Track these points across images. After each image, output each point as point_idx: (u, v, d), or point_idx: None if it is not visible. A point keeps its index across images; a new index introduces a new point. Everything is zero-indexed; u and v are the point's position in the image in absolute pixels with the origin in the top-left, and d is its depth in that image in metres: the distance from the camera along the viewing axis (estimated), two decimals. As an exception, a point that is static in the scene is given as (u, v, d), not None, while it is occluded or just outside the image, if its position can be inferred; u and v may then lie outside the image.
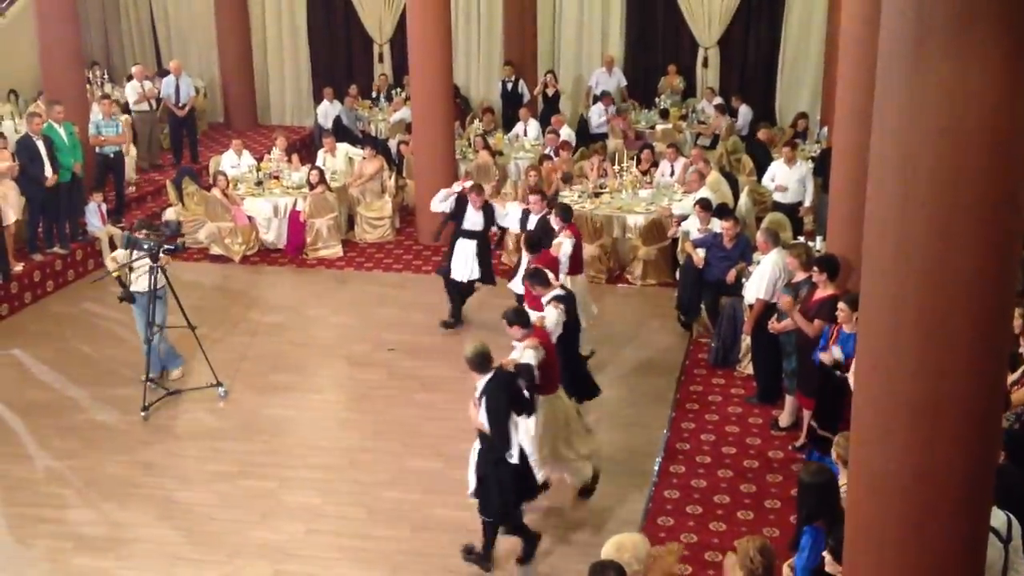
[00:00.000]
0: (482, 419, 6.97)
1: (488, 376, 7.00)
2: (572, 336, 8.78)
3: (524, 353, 7.47)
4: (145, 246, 9.60)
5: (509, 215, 11.48)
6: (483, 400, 6.97)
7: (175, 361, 10.35)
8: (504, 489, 7.07)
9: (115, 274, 9.87)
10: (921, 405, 4.35)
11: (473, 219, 11.23)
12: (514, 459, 7.03)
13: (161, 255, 9.69)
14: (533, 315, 8.18)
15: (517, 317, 7.74)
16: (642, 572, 5.25)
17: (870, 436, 4.55)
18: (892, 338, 4.38)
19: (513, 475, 7.08)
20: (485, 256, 11.37)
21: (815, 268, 8.38)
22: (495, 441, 6.96)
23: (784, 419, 9.13)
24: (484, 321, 11.21)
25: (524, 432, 7.26)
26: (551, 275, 8.92)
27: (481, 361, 7.00)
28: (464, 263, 11.27)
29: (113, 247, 9.98)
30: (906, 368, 4.34)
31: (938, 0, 4.01)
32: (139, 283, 9.76)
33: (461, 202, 11.24)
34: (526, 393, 7.22)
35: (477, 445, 7.24)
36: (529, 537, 7.41)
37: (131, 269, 9.72)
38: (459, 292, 11.50)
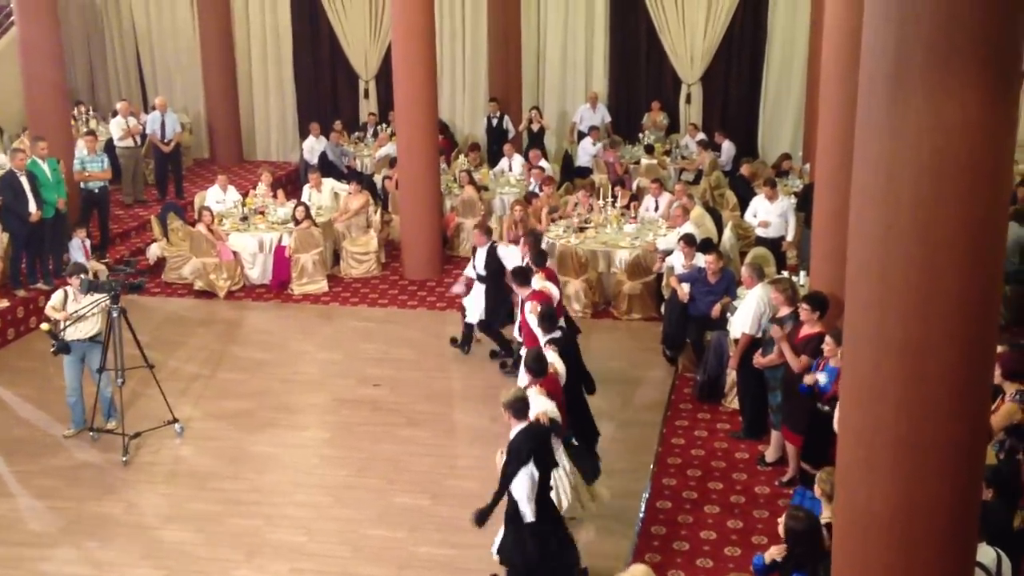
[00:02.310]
0: (507, 464, 6.73)
1: (523, 424, 6.86)
2: (574, 378, 8.65)
3: (538, 400, 7.41)
4: (107, 287, 9.48)
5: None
6: (511, 447, 6.75)
7: (113, 412, 9.90)
8: (522, 549, 6.80)
9: (45, 328, 9.47)
10: (905, 440, 4.38)
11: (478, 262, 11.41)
12: (529, 518, 6.73)
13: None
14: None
15: (535, 364, 7.75)
16: None
17: (854, 471, 4.57)
18: (875, 372, 4.41)
19: (532, 536, 6.77)
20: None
21: (805, 305, 8.39)
22: (505, 491, 6.76)
23: (770, 454, 9.13)
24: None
25: (562, 488, 7.21)
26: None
27: (522, 407, 6.90)
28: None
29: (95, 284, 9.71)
30: (889, 402, 4.37)
31: (915, 36, 4.08)
32: (76, 331, 9.46)
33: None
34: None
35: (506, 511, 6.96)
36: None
37: (75, 318, 9.44)
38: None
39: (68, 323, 9.42)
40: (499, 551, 7.06)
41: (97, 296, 9.52)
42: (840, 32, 8.61)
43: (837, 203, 8.57)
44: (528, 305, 9.41)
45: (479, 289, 11.36)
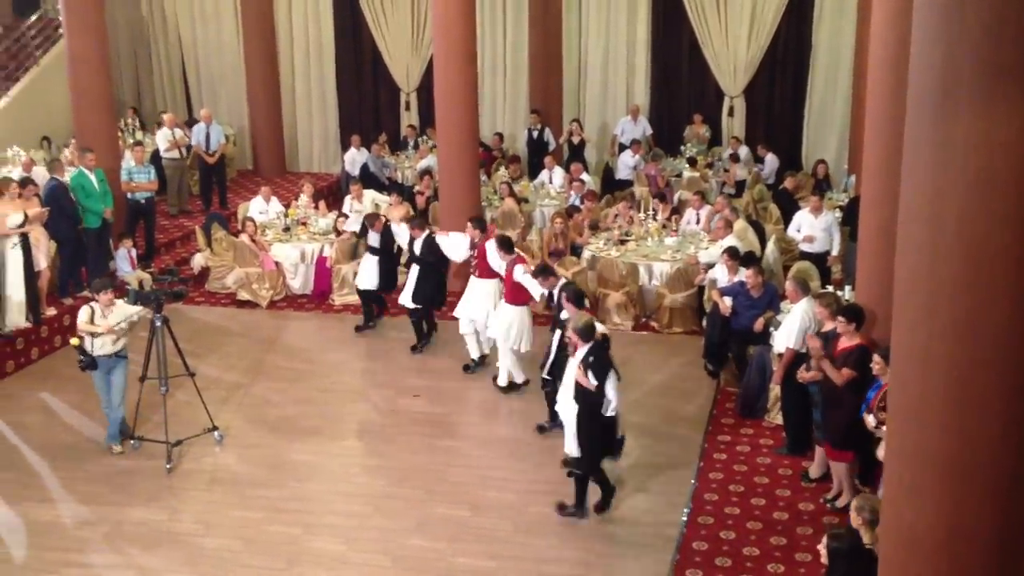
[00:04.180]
0: (589, 379, 7.95)
1: (591, 344, 8.04)
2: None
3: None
4: (153, 297, 9.57)
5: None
6: (589, 363, 7.98)
7: (118, 436, 9.90)
8: (595, 442, 8.16)
9: (75, 343, 9.50)
10: (952, 461, 4.30)
11: (373, 238, 12.66)
12: (610, 412, 8.12)
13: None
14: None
15: (575, 297, 9.12)
16: None
17: (901, 492, 4.49)
18: (922, 393, 4.34)
19: (604, 430, 8.19)
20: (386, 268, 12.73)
21: (841, 318, 8.32)
22: (597, 396, 8.00)
23: (814, 470, 9.02)
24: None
25: (613, 388, 8.12)
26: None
27: (589, 331, 8.09)
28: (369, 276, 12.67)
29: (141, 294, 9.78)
30: (937, 423, 4.30)
31: (965, 51, 4.02)
32: (103, 347, 9.49)
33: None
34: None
35: (572, 411, 8.17)
36: (609, 488, 8.53)
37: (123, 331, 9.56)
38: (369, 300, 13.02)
39: (102, 336, 9.43)
40: (576, 464, 8.39)
41: (128, 310, 9.59)
42: (887, 45, 8.52)
43: (883, 218, 8.48)
44: (519, 268, 10.48)
45: (373, 260, 12.63)
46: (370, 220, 12.76)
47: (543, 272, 10.15)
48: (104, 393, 9.71)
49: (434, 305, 12.34)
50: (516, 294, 10.61)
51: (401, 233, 12.46)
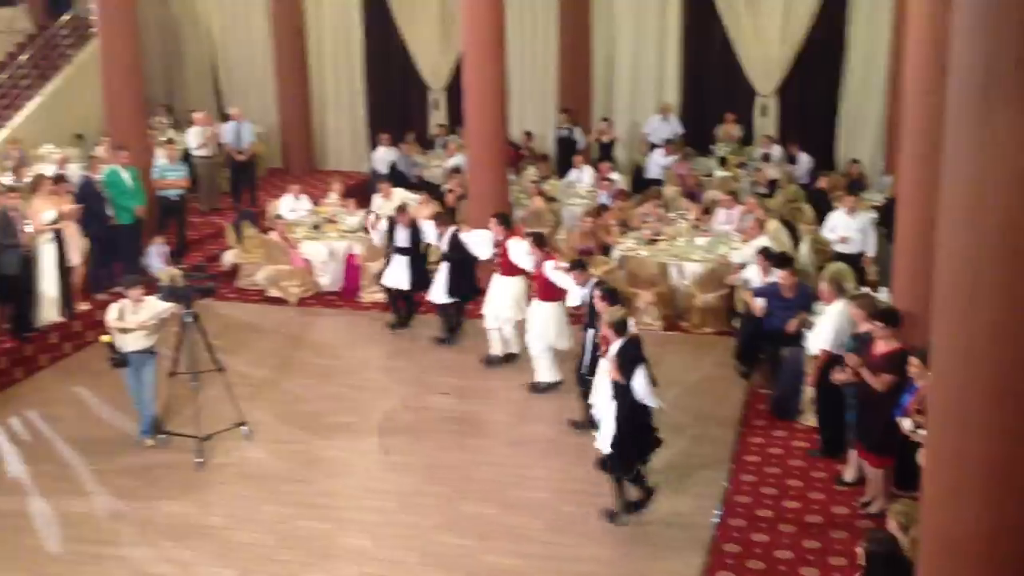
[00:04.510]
0: (621, 374, 7.94)
1: (624, 339, 8.05)
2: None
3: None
4: (183, 293, 9.61)
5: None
6: (621, 357, 7.97)
7: (151, 431, 9.96)
8: (629, 441, 8.07)
9: (105, 340, 9.56)
10: (993, 463, 4.25)
11: (402, 237, 12.56)
12: (648, 402, 8.08)
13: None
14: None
15: (610, 295, 9.03)
16: None
17: (942, 497, 4.43)
18: (963, 395, 4.28)
19: (642, 428, 8.16)
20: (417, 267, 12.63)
21: (878, 323, 8.21)
22: (628, 393, 7.96)
23: (849, 473, 8.92)
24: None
25: (643, 382, 8.04)
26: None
27: (623, 325, 8.12)
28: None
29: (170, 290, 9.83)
30: (978, 427, 4.24)
31: (1004, 48, 3.97)
32: (133, 343, 9.56)
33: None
34: None
35: (611, 409, 8.14)
36: (647, 489, 8.41)
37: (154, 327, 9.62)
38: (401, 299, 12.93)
39: (132, 333, 9.50)
40: (612, 461, 8.25)
41: (158, 307, 9.63)
42: (924, 43, 8.40)
43: (920, 219, 8.39)
44: (549, 264, 10.46)
45: (403, 260, 12.52)
46: (398, 213, 12.74)
47: (577, 267, 10.15)
48: (135, 390, 9.77)
49: (467, 299, 12.38)
50: (548, 291, 10.61)
51: (429, 230, 12.50)
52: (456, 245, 12.03)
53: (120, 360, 9.54)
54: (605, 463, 8.33)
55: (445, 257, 12.13)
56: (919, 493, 6.32)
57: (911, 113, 8.66)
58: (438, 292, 12.18)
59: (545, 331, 10.70)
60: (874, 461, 8.27)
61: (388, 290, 12.89)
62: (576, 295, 10.18)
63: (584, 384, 9.71)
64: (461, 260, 12.10)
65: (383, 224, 12.86)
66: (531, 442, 9.99)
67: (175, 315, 9.82)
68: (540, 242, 10.88)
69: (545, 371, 10.92)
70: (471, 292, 12.36)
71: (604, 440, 8.29)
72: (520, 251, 11.09)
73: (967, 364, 4.26)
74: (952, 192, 4.31)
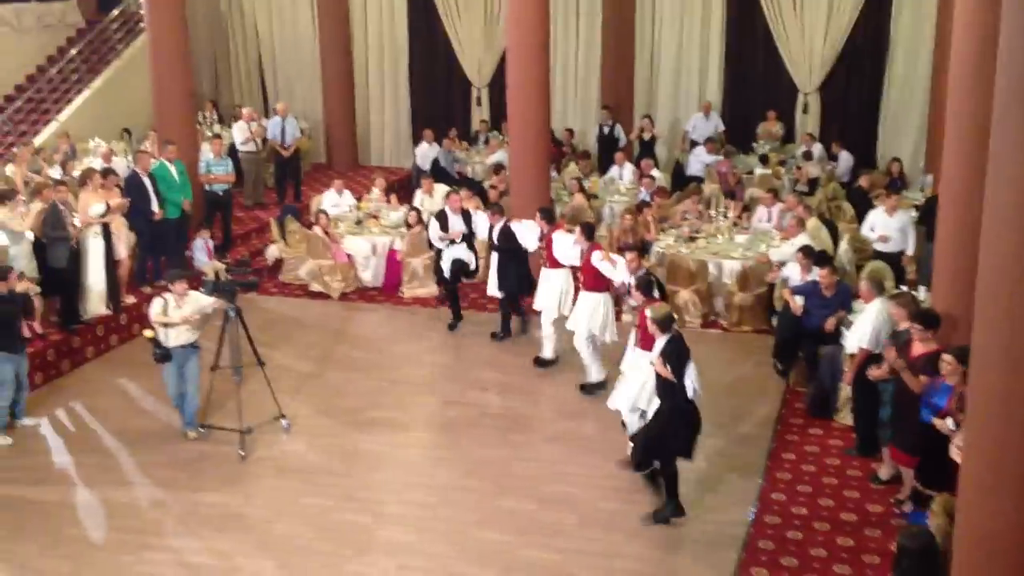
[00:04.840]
0: (668, 369, 7.94)
1: (669, 335, 8.07)
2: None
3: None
4: (227, 287, 9.76)
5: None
6: (667, 354, 8.00)
7: (194, 423, 10.12)
8: (673, 438, 8.08)
9: (149, 335, 9.67)
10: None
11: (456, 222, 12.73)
12: (693, 397, 8.06)
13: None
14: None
15: (647, 287, 9.07)
16: None
17: (980, 493, 4.44)
18: (1003, 393, 4.29)
19: (687, 422, 8.10)
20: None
21: (917, 325, 8.17)
22: (675, 389, 7.96)
23: (884, 472, 8.90)
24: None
25: (693, 378, 8.07)
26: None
27: (668, 322, 8.12)
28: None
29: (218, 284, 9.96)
30: (1017, 424, 4.24)
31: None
32: (177, 338, 9.66)
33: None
34: None
35: (653, 406, 8.30)
36: (677, 499, 8.27)
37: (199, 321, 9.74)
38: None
39: (176, 327, 9.63)
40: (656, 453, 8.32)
41: (202, 301, 9.78)
42: (970, 42, 8.34)
43: (962, 219, 8.34)
44: (596, 254, 10.50)
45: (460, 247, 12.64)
46: (447, 198, 12.91)
47: (634, 249, 10.29)
48: (173, 385, 9.85)
49: (520, 292, 12.42)
50: (594, 281, 10.63)
51: (480, 222, 12.65)
52: (507, 237, 12.11)
53: (163, 355, 9.67)
54: (640, 462, 8.36)
55: (495, 248, 12.24)
56: (946, 491, 6.38)
57: (954, 111, 8.59)
58: (492, 286, 12.31)
59: (589, 321, 10.69)
60: (907, 461, 8.23)
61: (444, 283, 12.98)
62: (619, 280, 10.31)
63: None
64: (512, 251, 12.15)
65: (433, 224, 12.74)
66: (570, 438, 10.04)
67: (218, 309, 9.98)
68: (589, 233, 10.97)
69: (591, 369, 10.86)
70: (523, 286, 12.36)
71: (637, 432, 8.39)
72: (564, 244, 11.14)
73: (1008, 363, 4.27)
74: (997, 192, 4.31)
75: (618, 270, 10.39)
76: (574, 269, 11.36)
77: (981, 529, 4.41)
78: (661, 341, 8.14)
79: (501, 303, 12.50)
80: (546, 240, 11.50)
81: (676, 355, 8.00)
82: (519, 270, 12.27)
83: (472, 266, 12.87)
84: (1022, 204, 4.15)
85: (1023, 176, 4.13)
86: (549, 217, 11.80)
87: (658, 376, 8.14)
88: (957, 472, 7.16)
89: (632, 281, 9.50)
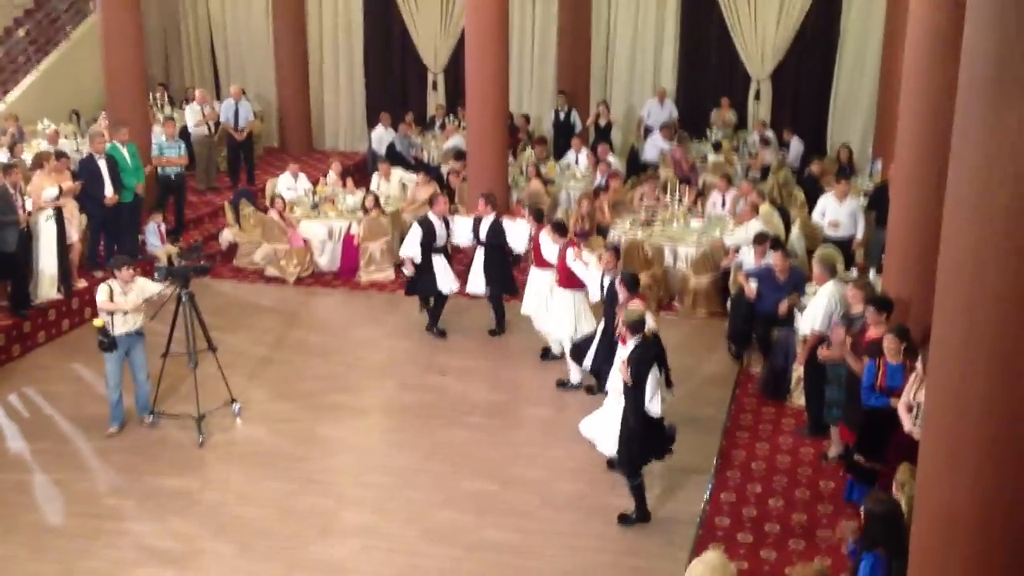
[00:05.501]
0: (628, 375, 7.85)
1: (638, 338, 7.93)
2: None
3: (647, 319, 8.38)
4: (181, 272, 9.67)
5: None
6: (633, 358, 7.87)
7: (148, 409, 9.97)
8: (636, 443, 7.98)
9: (99, 324, 9.39)
10: (993, 439, 4.39)
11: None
12: (654, 413, 7.94)
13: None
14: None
15: (631, 281, 9.07)
16: None
17: (938, 470, 4.58)
18: (963, 374, 4.41)
19: (648, 430, 7.99)
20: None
21: (872, 308, 8.35)
22: (636, 394, 7.85)
23: (832, 450, 9.12)
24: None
25: (654, 387, 7.95)
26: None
27: (639, 325, 7.99)
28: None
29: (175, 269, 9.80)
30: (976, 405, 4.37)
31: (1017, 37, 4.05)
32: (124, 325, 9.48)
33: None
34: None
35: (616, 409, 8.13)
36: (644, 510, 8.21)
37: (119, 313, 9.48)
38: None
39: (123, 315, 9.47)
40: (618, 458, 8.25)
41: (149, 287, 9.68)
42: (923, 30, 8.47)
43: (913, 205, 8.53)
44: (570, 252, 10.30)
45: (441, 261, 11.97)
46: (433, 202, 12.29)
47: (610, 249, 10.01)
48: (115, 375, 9.64)
49: (506, 291, 12.16)
50: (569, 278, 10.45)
51: (460, 226, 12.15)
52: (497, 231, 11.82)
53: (110, 343, 9.46)
54: (613, 462, 8.30)
55: (482, 243, 11.93)
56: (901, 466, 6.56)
57: (908, 98, 8.69)
58: (478, 282, 12.01)
59: (565, 320, 10.55)
60: (851, 438, 8.42)
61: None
62: (596, 289, 10.02)
63: (598, 377, 9.71)
64: (499, 247, 11.93)
65: (415, 232, 11.95)
66: (529, 422, 10.16)
67: (163, 295, 9.83)
68: (561, 230, 10.80)
69: (572, 369, 10.64)
70: (510, 285, 12.16)
71: (608, 439, 8.25)
72: (552, 244, 10.83)
73: (968, 344, 4.38)
74: (958, 180, 4.40)
75: (590, 270, 10.15)
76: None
77: (941, 505, 4.54)
78: (631, 344, 8.01)
79: (491, 299, 12.15)
80: (534, 240, 11.29)
81: (640, 360, 7.87)
82: (503, 267, 12.09)
83: (447, 289, 12.10)
84: (980, 193, 4.26)
85: (985, 163, 4.24)
86: (537, 216, 11.51)
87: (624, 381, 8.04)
88: (899, 448, 7.43)
89: (607, 280, 9.53)
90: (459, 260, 13.74)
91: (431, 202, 12.42)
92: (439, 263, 11.97)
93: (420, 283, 12.11)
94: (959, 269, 4.41)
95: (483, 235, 11.90)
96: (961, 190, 4.35)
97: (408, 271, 12.08)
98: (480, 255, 12.00)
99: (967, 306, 4.36)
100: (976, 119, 4.23)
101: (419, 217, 12.35)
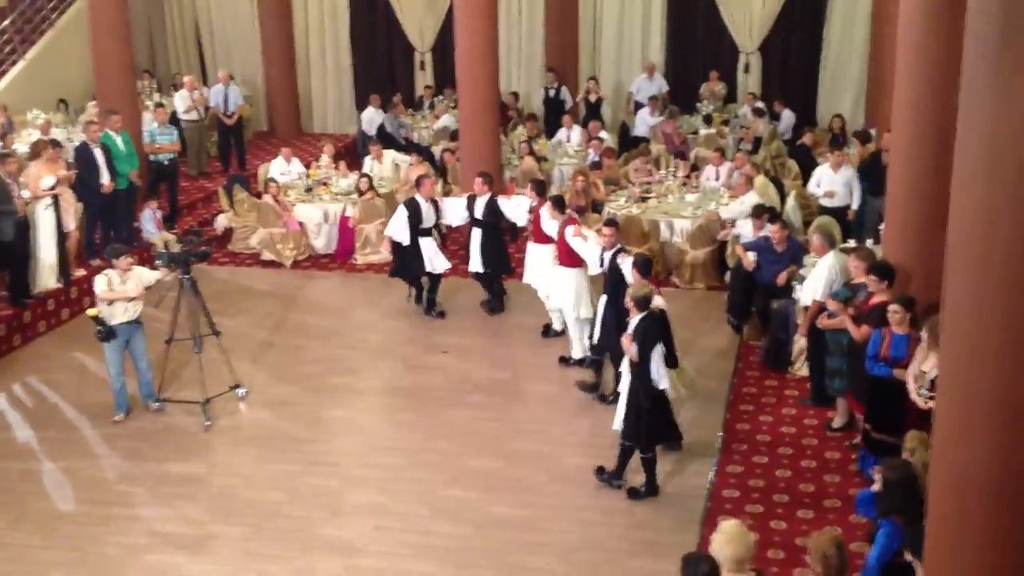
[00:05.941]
0: (634, 351, 7.95)
1: (644, 315, 8.02)
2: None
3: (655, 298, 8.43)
4: (181, 258, 9.65)
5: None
6: (638, 333, 7.97)
7: (152, 395, 10.02)
8: (644, 416, 8.04)
9: (92, 314, 9.33)
10: (1004, 405, 4.42)
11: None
12: (661, 385, 8.04)
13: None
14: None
15: (643, 265, 8.98)
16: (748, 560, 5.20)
17: (952, 435, 4.62)
18: (975, 340, 4.44)
19: (657, 406, 8.10)
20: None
21: (873, 276, 8.40)
22: (643, 370, 7.95)
23: (837, 420, 9.18)
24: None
25: (659, 364, 8.04)
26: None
27: (645, 301, 8.08)
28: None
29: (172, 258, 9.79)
30: (989, 369, 4.41)
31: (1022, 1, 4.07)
32: (124, 314, 9.45)
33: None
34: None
35: (627, 380, 8.23)
36: (653, 484, 8.25)
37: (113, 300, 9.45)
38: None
39: (122, 303, 9.43)
40: (623, 432, 8.27)
41: (147, 275, 9.68)
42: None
43: (912, 176, 8.56)
44: (570, 229, 10.26)
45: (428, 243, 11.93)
46: (420, 184, 12.25)
47: (610, 224, 9.88)
48: (116, 365, 9.61)
49: (503, 271, 12.22)
50: (569, 256, 10.40)
51: (451, 206, 12.21)
52: (493, 210, 11.83)
53: (107, 333, 9.40)
54: (628, 436, 8.30)
55: (478, 223, 11.94)
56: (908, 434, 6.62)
57: (905, 65, 8.65)
58: (476, 263, 12.02)
59: (568, 299, 10.52)
60: (861, 408, 8.50)
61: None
62: (595, 264, 9.95)
63: (597, 352, 9.83)
64: (495, 226, 11.97)
65: (401, 213, 11.97)
66: (532, 398, 10.21)
67: (166, 281, 9.88)
68: (560, 205, 10.79)
69: (575, 344, 10.67)
70: (506, 263, 12.22)
71: (620, 413, 8.36)
72: (550, 221, 10.83)
73: (979, 309, 4.40)
74: (967, 144, 4.39)
75: (589, 246, 10.09)
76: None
77: (955, 469, 4.59)
78: (635, 319, 8.10)
79: (487, 278, 12.15)
80: (534, 214, 11.28)
81: (645, 334, 7.96)
82: (500, 246, 12.13)
83: (439, 268, 12.07)
84: (989, 158, 4.26)
85: (990, 131, 4.24)
86: (539, 190, 11.48)
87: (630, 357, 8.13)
88: (908, 418, 7.50)
89: (607, 256, 9.57)
90: (454, 240, 13.82)
91: (418, 183, 12.38)
92: (426, 245, 11.92)
93: (406, 266, 12.11)
94: (969, 234, 4.43)
95: (478, 213, 11.90)
96: (969, 152, 4.36)
97: (385, 250, 12.20)
98: (476, 235, 11.99)
99: (979, 267, 4.39)
100: (982, 86, 4.24)
101: (406, 199, 12.33)
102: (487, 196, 11.86)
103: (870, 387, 8.06)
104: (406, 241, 11.84)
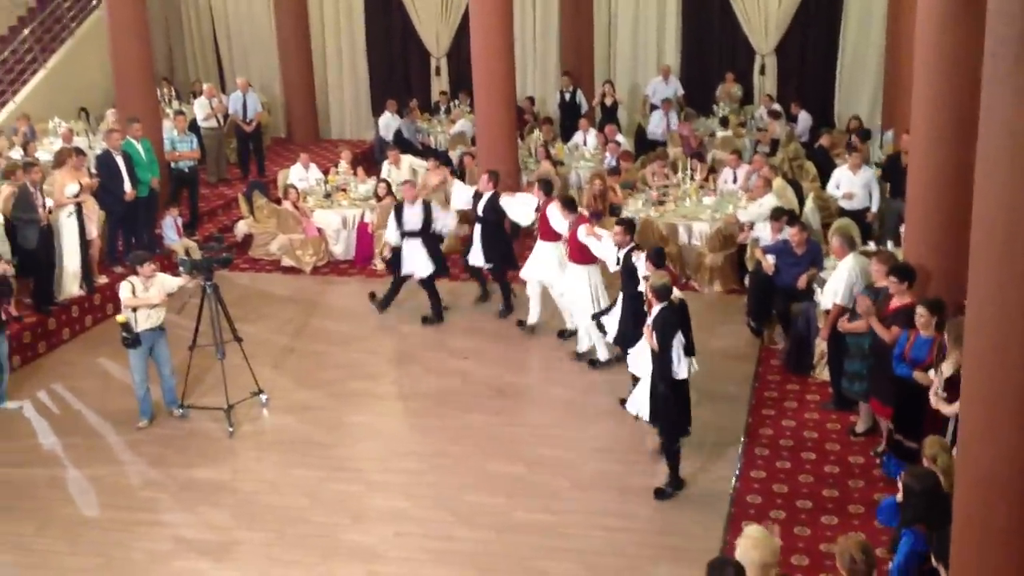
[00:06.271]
0: (655, 340, 8.08)
1: (664, 305, 8.10)
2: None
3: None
4: (204, 265, 9.73)
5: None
6: (658, 323, 8.08)
7: (176, 401, 10.09)
8: (672, 406, 8.19)
9: (121, 320, 9.46)
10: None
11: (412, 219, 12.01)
12: (681, 375, 8.19)
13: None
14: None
15: (657, 257, 9.05)
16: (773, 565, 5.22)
17: (977, 432, 4.62)
18: (999, 338, 4.45)
19: (677, 393, 8.21)
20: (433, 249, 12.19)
21: (893, 278, 8.37)
22: (663, 359, 8.07)
23: (861, 425, 9.14)
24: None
25: (679, 353, 8.17)
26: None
27: (665, 292, 8.15)
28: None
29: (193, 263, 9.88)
30: (1014, 368, 4.41)
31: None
32: (148, 320, 9.52)
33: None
34: None
35: (648, 372, 8.36)
36: (676, 472, 8.35)
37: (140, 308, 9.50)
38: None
39: (146, 310, 9.49)
40: (651, 416, 8.42)
41: (169, 281, 9.76)
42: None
43: (933, 178, 8.53)
44: (582, 228, 10.37)
45: (414, 244, 12.00)
46: (405, 188, 12.41)
47: (623, 224, 9.92)
48: (141, 372, 9.69)
49: (508, 265, 12.35)
50: (580, 254, 10.55)
51: (458, 191, 12.57)
52: (495, 208, 12.03)
53: (134, 339, 9.49)
54: (660, 429, 8.41)
55: (480, 220, 12.12)
56: (927, 440, 6.59)
57: (923, 64, 8.61)
58: (477, 256, 12.23)
59: (583, 296, 10.61)
60: (884, 411, 8.47)
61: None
62: (612, 261, 10.03)
63: (601, 327, 10.07)
64: (498, 224, 12.16)
65: (391, 215, 12.30)
66: (552, 403, 10.21)
67: (188, 288, 9.96)
68: (571, 205, 10.86)
69: (598, 347, 10.71)
70: (511, 258, 12.36)
71: (639, 404, 8.46)
72: (561, 217, 10.94)
73: (1003, 306, 4.39)
74: (989, 141, 4.38)
75: (604, 245, 10.17)
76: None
77: (981, 469, 4.59)
78: (655, 310, 8.19)
79: (490, 274, 12.38)
80: (542, 212, 11.36)
81: (664, 324, 8.05)
82: (504, 242, 12.27)
83: (426, 272, 12.13)
84: (1011, 152, 4.25)
85: (1011, 125, 4.24)
86: (547, 189, 11.59)
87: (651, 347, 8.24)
88: (931, 422, 7.47)
89: (621, 254, 9.61)
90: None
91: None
92: (409, 247, 12.05)
93: (395, 266, 12.41)
94: (992, 228, 4.42)
95: (480, 210, 12.09)
96: (992, 150, 4.34)
97: (386, 254, 12.47)
98: (478, 231, 12.21)
99: (1002, 264, 4.38)
100: (1003, 79, 4.22)
101: (395, 205, 12.57)
102: (491, 193, 12.05)
103: (896, 388, 8.04)
104: (395, 242, 12.18)
